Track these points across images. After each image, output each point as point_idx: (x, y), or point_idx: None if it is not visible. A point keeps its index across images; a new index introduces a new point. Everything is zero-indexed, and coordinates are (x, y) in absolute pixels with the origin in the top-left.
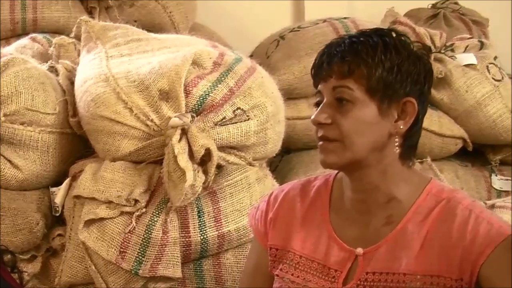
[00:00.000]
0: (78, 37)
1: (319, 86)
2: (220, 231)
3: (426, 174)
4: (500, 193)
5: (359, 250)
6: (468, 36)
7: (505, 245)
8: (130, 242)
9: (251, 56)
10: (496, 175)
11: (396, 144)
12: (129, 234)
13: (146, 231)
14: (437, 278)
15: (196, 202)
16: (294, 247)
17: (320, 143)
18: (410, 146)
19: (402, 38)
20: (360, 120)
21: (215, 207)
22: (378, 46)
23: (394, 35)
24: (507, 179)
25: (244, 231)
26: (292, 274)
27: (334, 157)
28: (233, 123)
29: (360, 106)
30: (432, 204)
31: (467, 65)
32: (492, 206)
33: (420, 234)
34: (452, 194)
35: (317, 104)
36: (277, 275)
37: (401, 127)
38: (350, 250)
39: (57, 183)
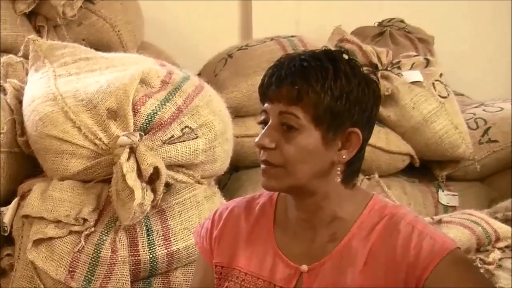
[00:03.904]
0: (26, 56)
1: (266, 105)
2: (169, 250)
3: (370, 190)
4: (447, 209)
5: (304, 267)
6: (414, 53)
7: (449, 260)
8: (79, 261)
9: (199, 74)
10: (443, 191)
11: (338, 172)
12: (78, 253)
13: (95, 250)
14: None
15: (145, 221)
16: (240, 264)
17: (263, 166)
18: (352, 172)
19: (353, 62)
20: (304, 148)
21: (164, 225)
22: (329, 73)
23: (346, 58)
24: (453, 195)
25: (193, 249)
26: None
27: (275, 182)
28: (181, 142)
29: (305, 134)
30: (375, 220)
31: (414, 82)
32: (439, 221)
33: (364, 250)
34: (395, 210)
35: (262, 123)
36: None
37: (344, 156)
38: (295, 267)
39: (6, 202)
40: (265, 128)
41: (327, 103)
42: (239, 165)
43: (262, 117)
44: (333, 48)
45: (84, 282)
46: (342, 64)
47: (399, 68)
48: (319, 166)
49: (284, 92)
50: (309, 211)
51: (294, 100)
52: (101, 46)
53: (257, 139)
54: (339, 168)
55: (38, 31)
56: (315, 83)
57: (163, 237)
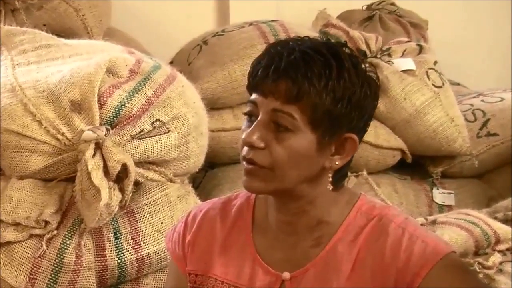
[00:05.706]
0: None
1: (256, 96)
2: (139, 254)
3: (357, 189)
4: (442, 208)
5: (286, 275)
6: (406, 39)
7: (443, 265)
8: (41, 268)
9: (171, 63)
10: (437, 189)
11: (330, 178)
12: (39, 258)
13: (58, 255)
14: None
15: (113, 223)
16: (216, 272)
17: (247, 166)
18: (341, 175)
19: (355, 58)
20: (295, 151)
21: (133, 228)
22: (333, 71)
23: (348, 53)
24: (449, 193)
25: (165, 254)
26: None
27: (260, 184)
28: (151, 136)
29: (299, 137)
30: (362, 222)
31: (405, 71)
32: (434, 222)
33: (351, 255)
34: (384, 211)
35: (248, 114)
36: None
37: (337, 162)
38: (276, 274)
39: None
40: (254, 124)
41: (327, 105)
42: (215, 162)
43: (250, 109)
44: (317, 34)
45: None
46: (346, 61)
47: (389, 55)
48: (309, 171)
49: (282, 88)
50: (292, 215)
51: (292, 99)
52: (63, 32)
53: (244, 135)
54: (330, 174)
55: None
56: (318, 82)
57: (132, 240)
